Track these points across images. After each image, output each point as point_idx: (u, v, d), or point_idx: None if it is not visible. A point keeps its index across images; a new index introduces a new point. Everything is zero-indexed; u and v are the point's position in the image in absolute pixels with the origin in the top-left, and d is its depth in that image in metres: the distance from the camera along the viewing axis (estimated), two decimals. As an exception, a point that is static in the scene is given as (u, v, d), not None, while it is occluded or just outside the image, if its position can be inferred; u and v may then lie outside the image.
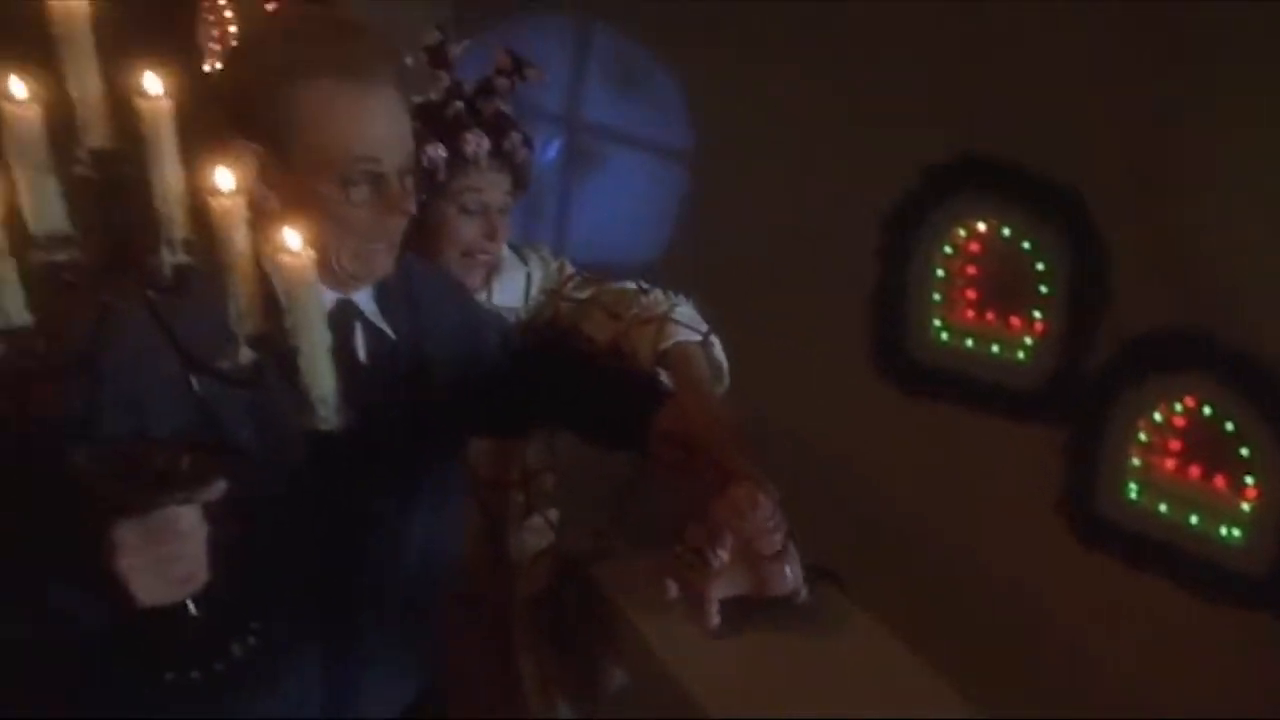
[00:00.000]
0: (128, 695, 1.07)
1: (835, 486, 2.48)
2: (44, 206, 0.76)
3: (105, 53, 0.77)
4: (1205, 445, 2.13)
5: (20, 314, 0.77)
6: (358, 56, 1.13)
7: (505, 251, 1.76)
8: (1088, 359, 2.27)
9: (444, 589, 1.39)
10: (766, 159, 2.64)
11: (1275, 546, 2.03)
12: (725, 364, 1.52)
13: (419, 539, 1.29)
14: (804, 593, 1.55)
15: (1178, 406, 2.16)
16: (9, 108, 0.74)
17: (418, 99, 1.59)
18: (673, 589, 1.63)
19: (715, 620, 1.53)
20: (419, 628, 1.35)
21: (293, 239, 0.81)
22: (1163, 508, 2.18)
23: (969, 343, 2.48)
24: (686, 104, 2.83)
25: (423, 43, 1.69)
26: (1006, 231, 2.39)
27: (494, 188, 1.67)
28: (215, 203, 0.81)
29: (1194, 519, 2.13)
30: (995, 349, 2.44)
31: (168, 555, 0.90)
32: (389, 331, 1.24)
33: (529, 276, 1.77)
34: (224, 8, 3.30)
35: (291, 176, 1.11)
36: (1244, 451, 2.07)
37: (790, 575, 1.55)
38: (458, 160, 1.62)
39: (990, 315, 2.46)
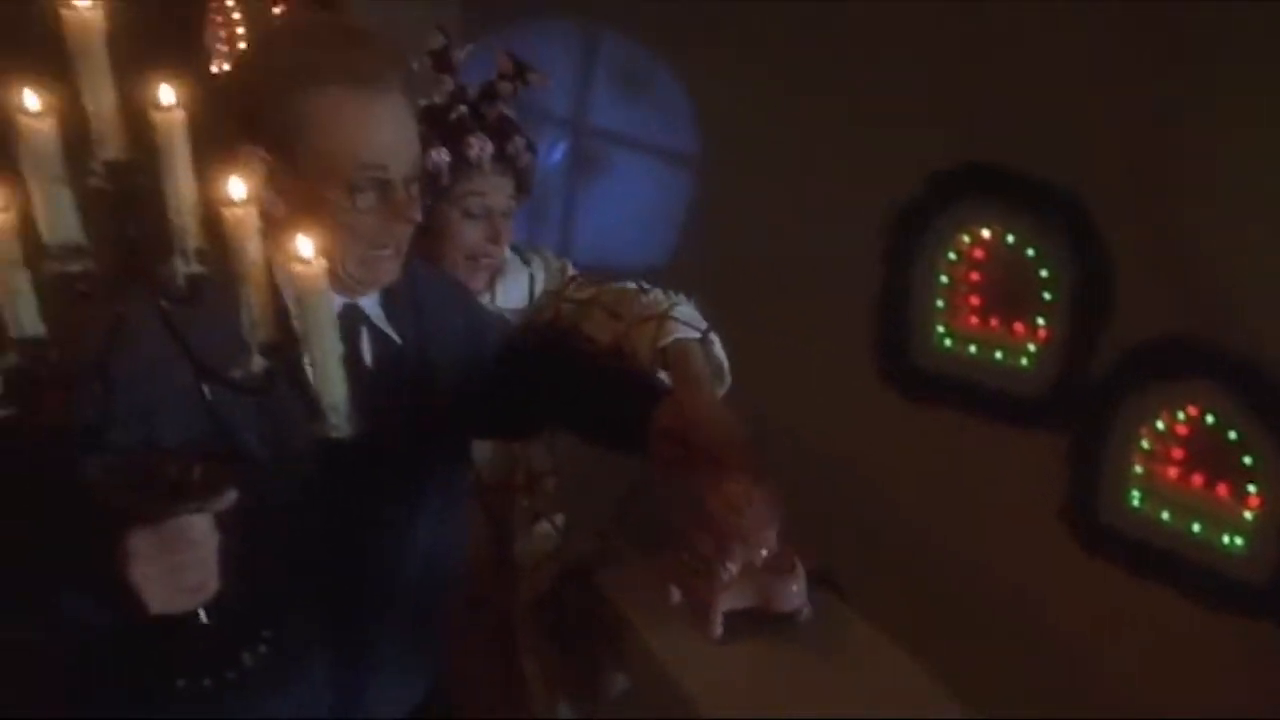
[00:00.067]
0: (139, 700, 1.08)
1: (837, 492, 2.49)
2: (58, 218, 0.77)
3: (116, 55, 0.78)
4: (1208, 453, 2.13)
5: (34, 324, 0.78)
6: (366, 63, 1.14)
7: (508, 254, 1.77)
8: (1091, 366, 2.27)
9: (449, 592, 1.39)
10: (770, 163, 2.64)
11: (1277, 555, 2.03)
12: (725, 362, 1.53)
13: (425, 543, 1.29)
14: (808, 610, 1.56)
15: (1180, 414, 2.16)
16: (24, 120, 0.75)
17: (422, 102, 1.60)
18: (675, 595, 1.64)
19: (719, 631, 1.54)
20: (425, 630, 1.36)
21: (305, 247, 0.82)
22: (1165, 515, 2.18)
23: (972, 349, 2.48)
24: (693, 108, 2.83)
25: (428, 46, 1.70)
26: (1011, 238, 2.39)
27: (497, 191, 1.69)
28: (228, 213, 0.82)
29: (1196, 527, 2.13)
30: (998, 355, 2.44)
31: (180, 564, 0.91)
32: (395, 336, 1.25)
33: (532, 278, 1.78)
34: (232, 9, 3.31)
35: (299, 183, 1.12)
36: (1247, 460, 2.07)
37: (796, 591, 1.56)
38: (461, 164, 1.63)
39: (994, 322, 2.46)
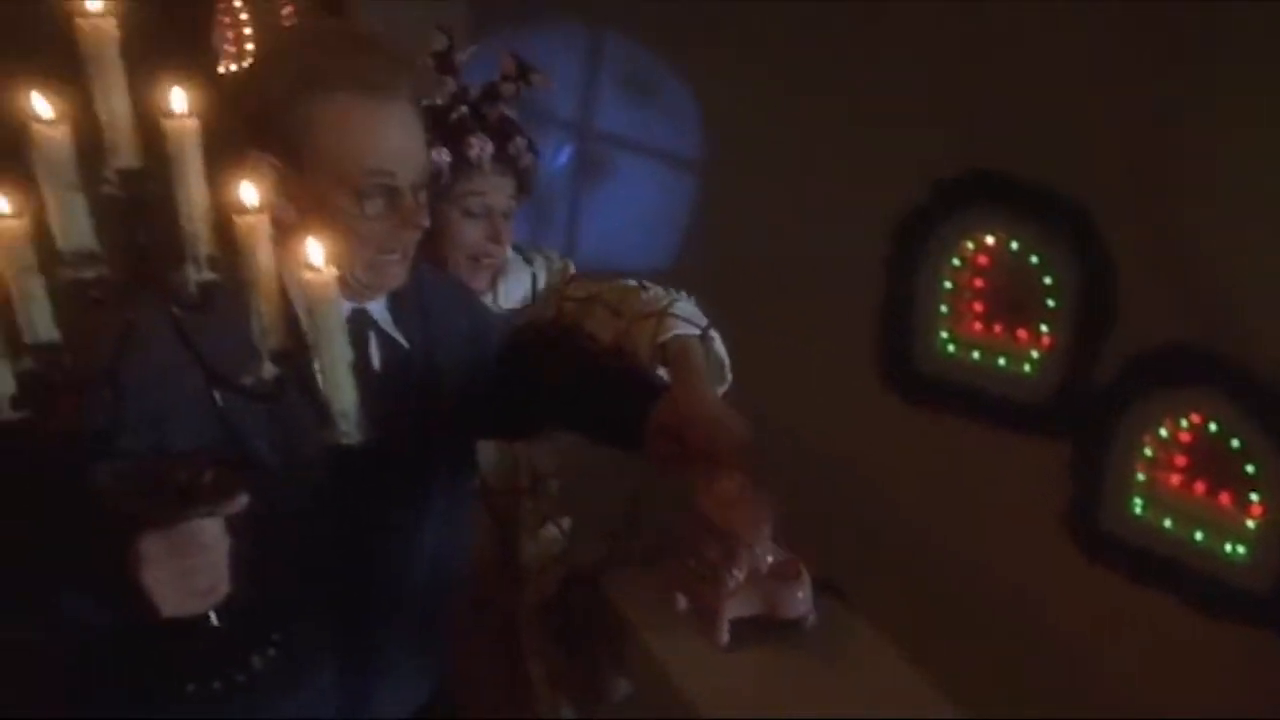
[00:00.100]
0: (148, 702, 1.08)
1: (840, 496, 2.49)
2: (72, 224, 0.78)
3: (125, 57, 0.79)
4: (1211, 461, 2.13)
5: (48, 330, 0.79)
6: (374, 70, 1.14)
7: (510, 254, 1.78)
8: (1094, 373, 2.27)
9: (455, 594, 1.40)
10: (773, 166, 2.65)
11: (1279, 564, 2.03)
12: (726, 359, 1.52)
13: (431, 545, 1.30)
14: (813, 617, 1.56)
15: (1184, 422, 2.16)
16: (39, 128, 0.76)
17: (424, 103, 1.61)
18: (681, 602, 1.64)
19: (725, 638, 1.54)
20: (431, 632, 1.37)
21: (316, 255, 0.82)
22: (1167, 523, 2.18)
23: (975, 355, 2.49)
24: (698, 113, 2.84)
25: (431, 47, 1.71)
26: (1015, 245, 2.39)
27: (498, 191, 1.69)
28: (239, 220, 0.82)
29: (1199, 535, 2.13)
30: (1002, 362, 2.44)
31: (190, 568, 0.91)
32: (402, 340, 1.26)
33: (534, 277, 1.78)
34: (239, 10, 3.32)
35: (307, 189, 1.12)
36: (1250, 468, 2.07)
37: (802, 598, 1.56)
38: (461, 164, 1.64)
39: (997, 328, 2.46)
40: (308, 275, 0.82)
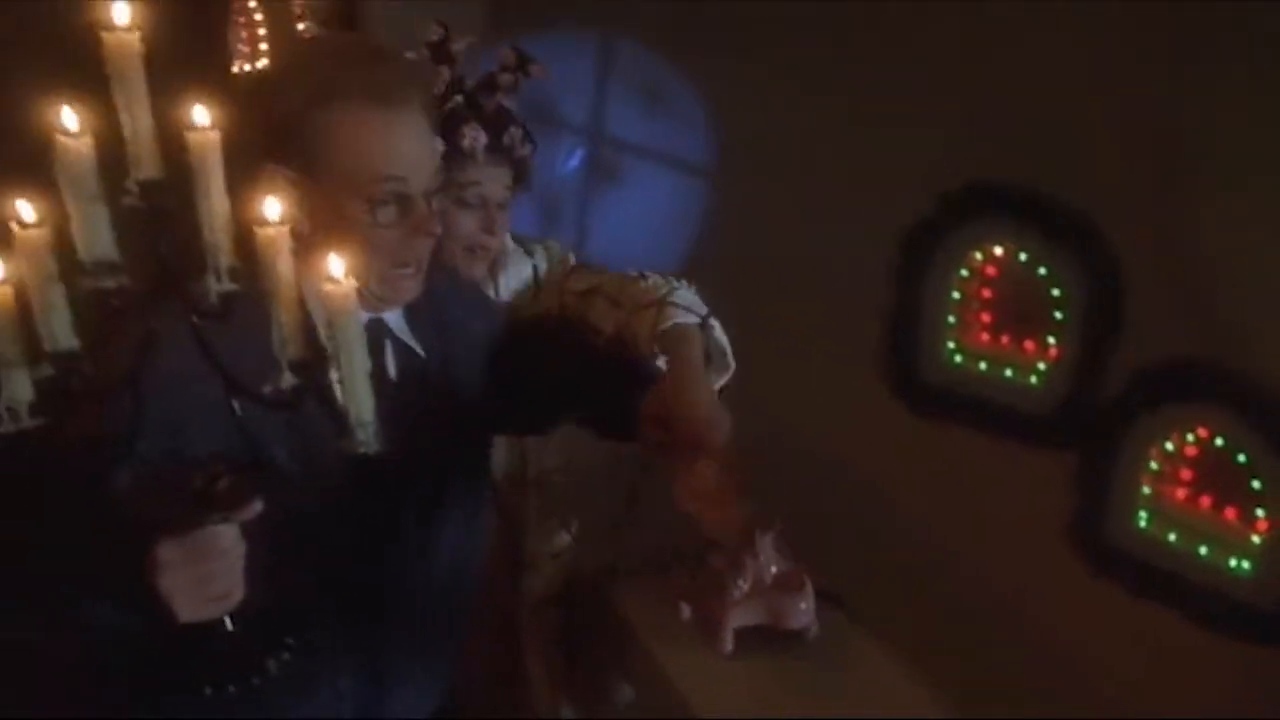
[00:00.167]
0: (164, 706, 1.10)
1: (845, 506, 2.49)
2: (94, 235, 0.79)
3: (146, 62, 0.80)
4: (1217, 476, 2.13)
5: (68, 338, 0.80)
6: (387, 81, 1.16)
7: (510, 245, 1.79)
8: (1101, 386, 2.27)
9: (470, 598, 1.41)
10: (782, 174, 2.65)
11: (1285, 580, 2.03)
12: (727, 347, 1.51)
13: (447, 550, 1.32)
14: (816, 628, 1.57)
15: (1190, 436, 2.16)
16: (62, 140, 0.77)
17: None
18: (686, 610, 1.65)
19: (728, 647, 1.55)
20: (446, 637, 1.38)
21: (336, 267, 0.83)
22: (1172, 537, 2.18)
23: (982, 365, 2.49)
24: (709, 121, 2.85)
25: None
26: (1023, 256, 2.39)
27: (493, 181, 1.69)
28: (260, 231, 0.83)
29: (1203, 550, 2.13)
30: (1008, 373, 2.44)
31: (207, 573, 0.93)
32: (418, 349, 1.27)
33: (535, 268, 1.79)
34: (254, 10, 3.34)
35: (321, 198, 1.13)
36: (1256, 484, 2.07)
37: (805, 609, 1.57)
38: (455, 154, 1.63)
39: (1004, 339, 2.46)
40: (328, 287, 0.83)
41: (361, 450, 0.85)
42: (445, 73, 1.68)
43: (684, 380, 1.35)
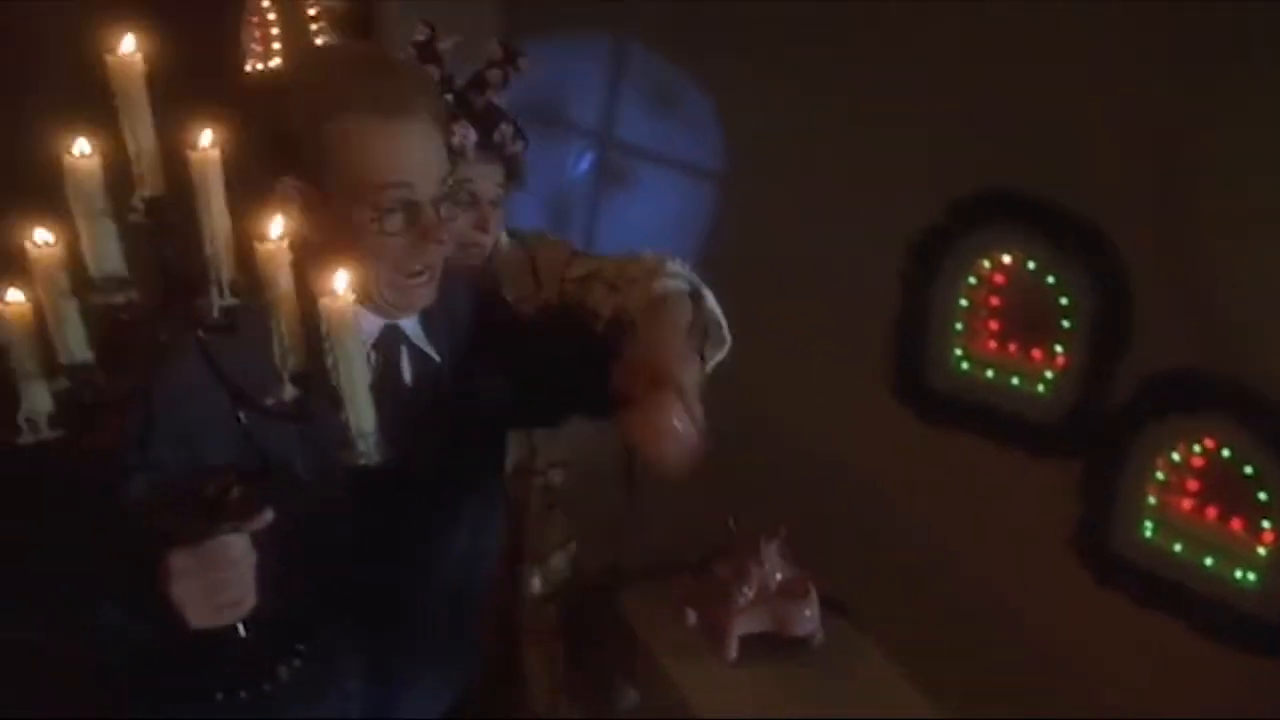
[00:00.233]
0: (176, 711, 1.11)
1: (850, 512, 2.50)
2: (103, 250, 0.81)
3: (160, 72, 0.81)
4: (1223, 487, 2.12)
5: (82, 350, 0.82)
6: (395, 93, 1.17)
7: (507, 240, 1.80)
8: (1108, 395, 2.26)
9: (480, 598, 1.43)
10: (790, 179, 2.66)
11: (1290, 591, 2.03)
12: (721, 319, 1.50)
13: (460, 555, 1.33)
14: (820, 636, 1.58)
15: (1197, 447, 2.15)
16: (71, 160, 0.78)
17: None
18: (691, 617, 1.66)
19: (733, 654, 1.56)
20: (457, 640, 1.39)
21: (339, 281, 0.85)
22: (1178, 548, 2.17)
23: (989, 373, 2.48)
24: (720, 126, 2.85)
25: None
26: (1031, 264, 2.39)
27: (484, 179, 1.70)
28: (260, 246, 0.85)
29: (1209, 560, 2.13)
30: (1015, 381, 2.44)
31: (218, 582, 0.94)
32: (433, 354, 1.28)
33: (534, 261, 1.79)
34: (267, 10, 3.36)
35: (330, 210, 1.14)
36: (1262, 495, 2.06)
37: (810, 617, 1.58)
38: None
39: (1012, 347, 2.46)
40: (325, 300, 0.84)
41: (362, 462, 0.86)
42: (434, 71, 1.69)
43: (660, 322, 1.35)
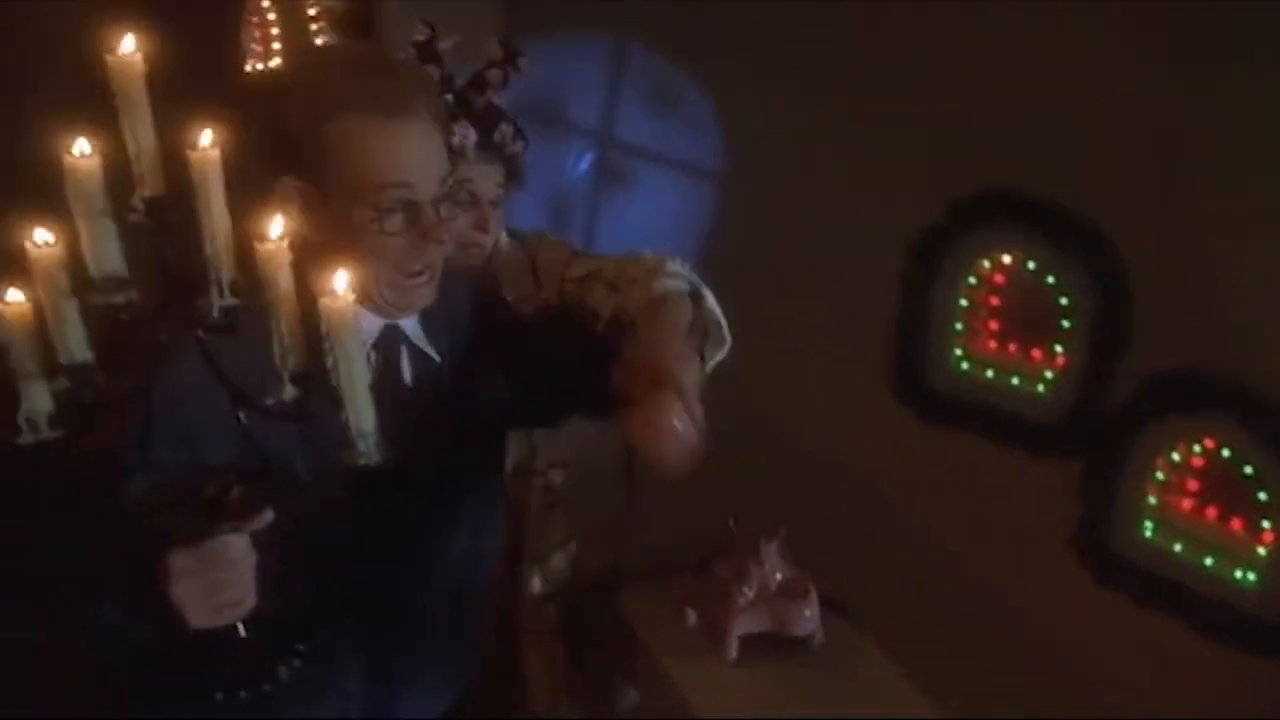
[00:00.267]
0: (176, 711, 1.11)
1: (850, 512, 2.50)
2: (103, 250, 0.81)
3: (160, 71, 0.81)
4: (1223, 487, 2.12)
5: (82, 350, 0.82)
6: (395, 93, 1.17)
7: (507, 240, 1.80)
8: (1108, 395, 2.26)
9: (481, 598, 1.43)
10: (781, 176, 2.66)
11: (1290, 591, 2.03)
12: (723, 320, 1.50)
13: (459, 554, 1.33)
14: (820, 636, 1.58)
15: (1197, 447, 2.15)
16: (71, 160, 0.78)
17: None
18: (691, 617, 1.66)
19: (733, 654, 1.56)
20: (457, 640, 1.40)
21: (339, 281, 0.85)
22: (1178, 548, 2.18)
23: (989, 373, 2.48)
24: (721, 127, 2.85)
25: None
26: (1031, 265, 2.39)
27: (484, 179, 1.70)
28: (260, 246, 0.85)
29: (1209, 560, 2.13)
30: (1015, 381, 2.44)
31: (218, 582, 0.95)
32: (433, 354, 1.28)
33: (534, 261, 1.80)
34: (267, 10, 3.37)
35: (330, 210, 1.14)
36: (1262, 495, 2.06)
37: (810, 617, 1.58)
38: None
39: (1012, 347, 2.46)
40: (325, 300, 0.84)
41: (361, 462, 0.86)
42: (433, 71, 1.69)
43: (660, 322, 1.35)
